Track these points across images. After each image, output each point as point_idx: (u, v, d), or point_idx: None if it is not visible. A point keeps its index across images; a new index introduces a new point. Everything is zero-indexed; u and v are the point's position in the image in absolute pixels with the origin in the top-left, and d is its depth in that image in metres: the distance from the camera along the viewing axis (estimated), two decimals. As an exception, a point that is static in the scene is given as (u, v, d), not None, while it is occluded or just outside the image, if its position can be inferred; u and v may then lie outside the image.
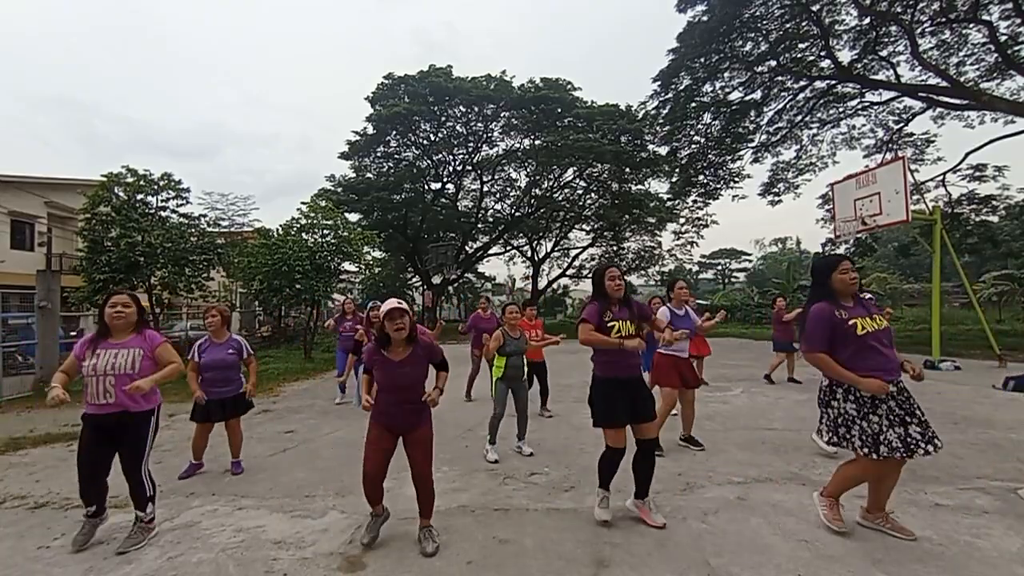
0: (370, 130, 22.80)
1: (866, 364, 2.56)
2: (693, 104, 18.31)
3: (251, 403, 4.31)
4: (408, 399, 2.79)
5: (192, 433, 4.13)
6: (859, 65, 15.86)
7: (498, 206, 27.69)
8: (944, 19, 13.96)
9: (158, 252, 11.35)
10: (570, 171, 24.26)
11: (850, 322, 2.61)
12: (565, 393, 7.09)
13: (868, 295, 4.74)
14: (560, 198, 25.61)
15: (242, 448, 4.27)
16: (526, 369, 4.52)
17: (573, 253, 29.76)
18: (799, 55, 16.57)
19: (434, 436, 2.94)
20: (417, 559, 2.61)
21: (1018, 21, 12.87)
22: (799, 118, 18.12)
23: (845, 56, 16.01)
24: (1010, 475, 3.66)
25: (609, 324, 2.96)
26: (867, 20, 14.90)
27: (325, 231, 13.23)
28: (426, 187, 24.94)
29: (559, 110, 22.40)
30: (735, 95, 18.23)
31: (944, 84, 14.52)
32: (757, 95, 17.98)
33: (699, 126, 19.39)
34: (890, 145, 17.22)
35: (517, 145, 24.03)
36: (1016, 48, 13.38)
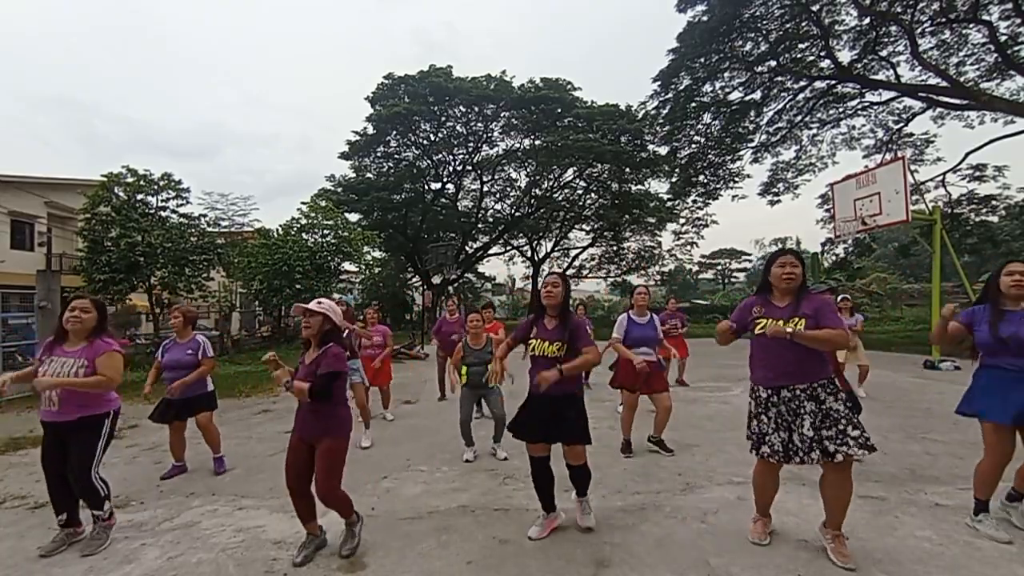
0: (370, 130, 22.82)
1: (764, 364, 2.60)
2: (693, 104, 18.33)
3: (214, 402, 4.24)
4: (311, 406, 2.58)
5: (193, 433, 4.14)
6: (859, 65, 15.87)
7: (498, 206, 27.77)
8: (944, 19, 13.97)
9: (158, 252, 11.37)
10: (570, 171, 24.29)
11: (756, 319, 2.60)
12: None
13: (843, 297, 4.78)
14: (560, 198, 25.64)
15: (240, 448, 4.27)
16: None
17: (573, 253, 29.84)
18: (799, 55, 16.59)
19: (345, 450, 2.67)
20: (417, 559, 2.61)
21: (1018, 21, 12.87)
22: (799, 118, 18.14)
23: (845, 56, 16.07)
24: (1010, 475, 3.65)
25: (530, 341, 2.85)
26: (867, 20, 14.91)
27: (325, 231, 13.25)
28: (426, 187, 24.96)
29: (559, 110, 22.42)
30: (735, 95, 18.27)
31: (944, 84, 14.54)
32: (757, 95, 18.00)
33: (699, 126, 19.42)
34: (890, 145, 17.24)
35: (517, 145, 24.07)
36: (1016, 48, 13.39)
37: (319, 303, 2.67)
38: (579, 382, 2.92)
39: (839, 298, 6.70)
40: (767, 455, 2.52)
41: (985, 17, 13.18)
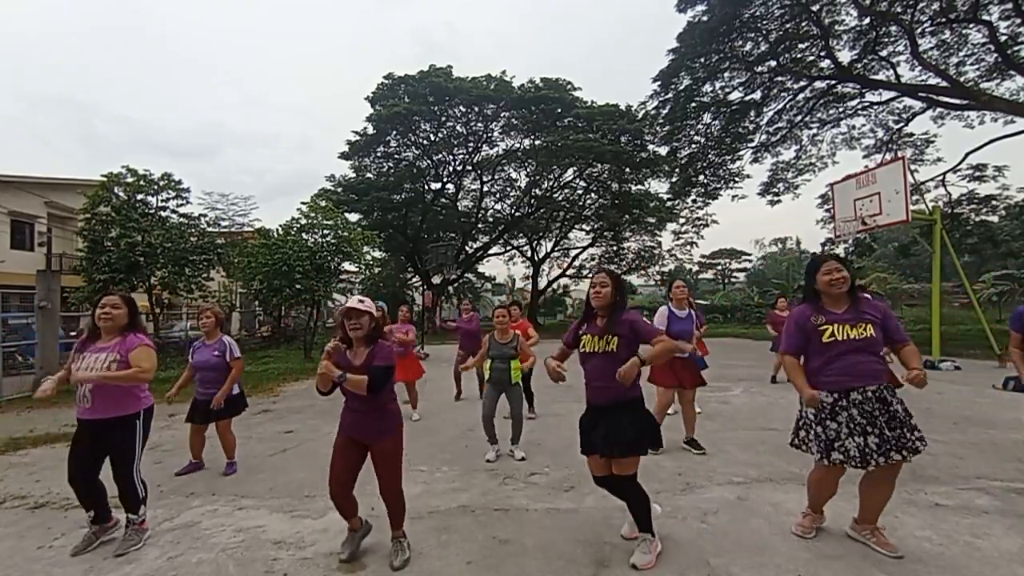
0: (370, 130, 22.80)
1: (831, 369, 2.51)
2: (693, 104, 18.32)
3: (242, 405, 4.27)
4: (364, 406, 2.56)
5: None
6: (859, 65, 15.87)
7: (498, 206, 27.74)
8: (944, 19, 13.96)
9: (158, 252, 11.37)
10: (570, 171, 24.27)
11: (821, 327, 2.55)
12: (565, 394, 7.06)
13: (868, 295, 4.78)
14: (560, 198, 25.62)
15: (239, 448, 4.27)
16: (515, 374, 4.35)
17: (573, 253, 29.82)
18: (799, 55, 16.57)
19: (403, 448, 2.72)
20: (417, 559, 2.61)
21: (1018, 21, 12.87)
22: (799, 118, 18.13)
23: (845, 56, 16.06)
24: (1010, 475, 3.66)
25: (580, 336, 2.66)
26: (867, 20, 14.91)
27: (325, 231, 13.23)
28: (426, 187, 24.94)
29: (559, 110, 22.40)
30: (735, 95, 18.25)
31: (944, 84, 14.53)
32: (757, 95, 17.99)
33: (699, 126, 19.40)
34: (890, 145, 17.24)
35: (517, 145, 24.05)
36: (1016, 48, 13.38)
37: (362, 302, 2.61)
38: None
39: (866, 297, 6.84)
40: (840, 461, 2.45)
41: (985, 17, 13.17)
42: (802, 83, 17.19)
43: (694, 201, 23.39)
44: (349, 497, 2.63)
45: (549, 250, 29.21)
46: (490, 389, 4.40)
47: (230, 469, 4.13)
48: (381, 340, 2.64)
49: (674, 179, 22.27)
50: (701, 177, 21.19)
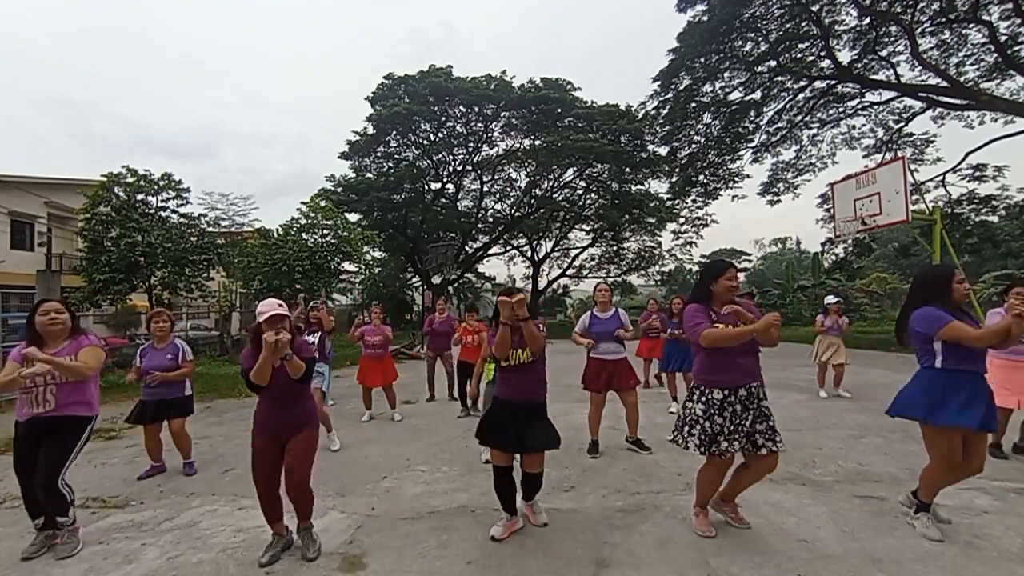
0: (370, 130, 22.80)
1: (714, 367, 2.67)
2: (693, 104, 18.32)
3: (190, 407, 4.26)
4: (283, 402, 2.65)
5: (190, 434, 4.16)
6: (859, 65, 15.87)
7: (498, 206, 27.72)
8: (944, 19, 13.97)
9: (158, 252, 11.35)
10: (570, 171, 24.27)
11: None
12: (565, 394, 7.08)
13: (837, 300, 4.88)
14: (560, 198, 25.61)
15: (239, 446, 4.29)
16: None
17: (573, 253, 29.80)
18: (799, 55, 16.58)
19: (318, 441, 2.82)
20: (417, 559, 2.61)
21: (1018, 21, 12.87)
22: (799, 118, 18.13)
23: (845, 56, 16.06)
24: (1010, 475, 3.66)
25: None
26: (867, 20, 14.91)
27: (325, 231, 13.23)
28: (426, 187, 24.93)
29: (559, 110, 22.40)
30: (735, 95, 18.26)
31: (944, 84, 14.53)
32: (757, 95, 17.99)
33: (699, 126, 19.41)
34: (890, 145, 17.22)
35: (517, 145, 24.03)
36: (1016, 48, 13.38)
37: (281, 305, 2.68)
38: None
39: (833, 301, 6.90)
40: (717, 453, 2.64)
41: (985, 17, 13.17)
42: (802, 83, 17.19)
43: (694, 201, 23.38)
44: (275, 497, 2.64)
45: (549, 250, 29.20)
46: (493, 391, 4.39)
47: (191, 469, 4.11)
48: (298, 338, 2.77)
49: (674, 179, 22.27)
50: (701, 177, 21.19)
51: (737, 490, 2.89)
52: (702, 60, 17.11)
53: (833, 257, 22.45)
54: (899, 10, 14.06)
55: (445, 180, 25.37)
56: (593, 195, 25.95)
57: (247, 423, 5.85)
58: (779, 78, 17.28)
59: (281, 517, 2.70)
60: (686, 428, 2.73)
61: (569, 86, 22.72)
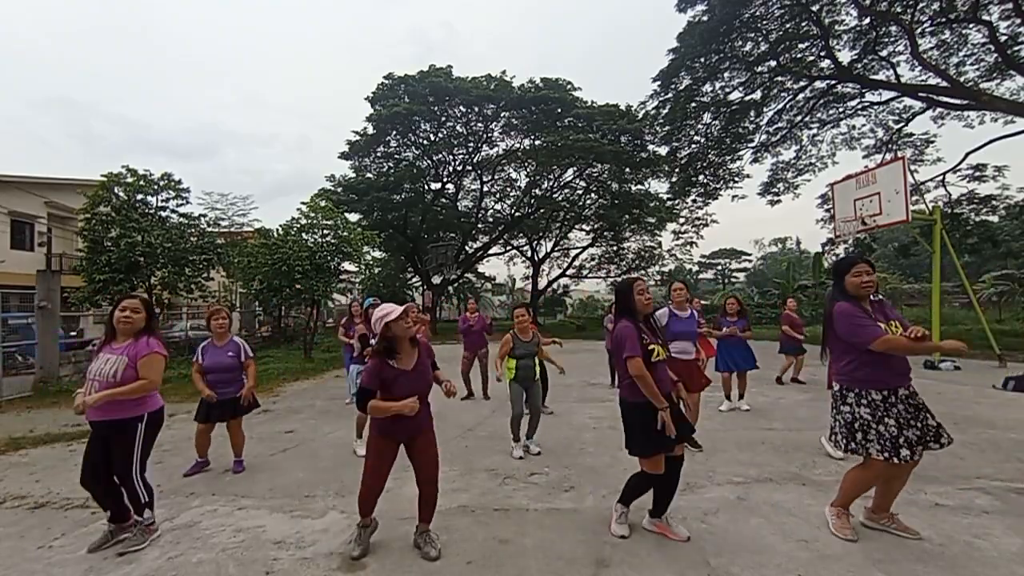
0: (370, 130, 22.79)
1: (871, 366, 2.61)
2: (693, 104, 18.32)
3: (256, 402, 4.31)
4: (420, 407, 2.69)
5: (193, 432, 4.15)
6: (859, 65, 15.86)
7: (498, 206, 27.71)
8: (944, 19, 13.96)
9: (158, 252, 11.34)
10: (570, 171, 24.25)
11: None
12: (566, 393, 7.08)
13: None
14: (560, 198, 25.60)
15: (243, 448, 4.28)
16: (537, 370, 4.59)
17: (573, 253, 29.80)
18: (799, 55, 16.57)
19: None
20: (417, 559, 2.61)
21: (1018, 21, 12.86)
22: (799, 118, 18.13)
23: (845, 56, 16.05)
24: (1010, 475, 3.66)
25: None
26: (867, 20, 14.91)
27: (325, 231, 13.22)
28: (426, 187, 24.92)
29: (559, 110, 22.39)
30: (735, 95, 18.25)
31: (944, 84, 14.52)
32: (757, 95, 17.99)
33: (699, 126, 19.41)
34: (890, 145, 17.22)
35: (517, 145, 24.01)
36: (1016, 48, 13.37)
37: (407, 305, 2.87)
38: None
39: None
40: (907, 457, 2.50)
41: (985, 17, 13.16)
42: (802, 83, 17.18)
43: (694, 201, 23.40)
44: (378, 497, 2.75)
45: (549, 250, 29.20)
46: (518, 387, 4.47)
47: (239, 467, 4.15)
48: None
49: (674, 179, 22.27)
50: (701, 177, 21.20)
51: (891, 500, 2.78)
52: (702, 60, 17.11)
53: (834, 257, 22.46)
54: (899, 10, 14.06)
55: (445, 180, 25.36)
56: (593, 195, 25.95)
57: (247, 423, 5.84)
58: (779, 78, 17.28)
59: (373, 510, 2.76)
60: (859, 434, 2.59)
61: (569, 86, 22.71)
